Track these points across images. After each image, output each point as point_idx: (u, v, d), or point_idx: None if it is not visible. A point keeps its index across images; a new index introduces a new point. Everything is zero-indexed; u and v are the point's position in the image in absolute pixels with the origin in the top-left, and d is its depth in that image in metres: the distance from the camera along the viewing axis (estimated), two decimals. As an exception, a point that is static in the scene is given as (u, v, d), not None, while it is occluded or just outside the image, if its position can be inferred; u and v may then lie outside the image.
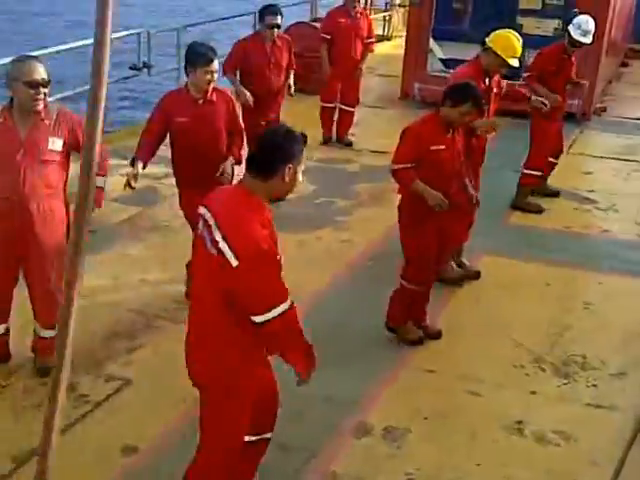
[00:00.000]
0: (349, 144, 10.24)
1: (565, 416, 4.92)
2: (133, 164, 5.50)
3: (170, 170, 6.05)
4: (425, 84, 11.79)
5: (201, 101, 5.61)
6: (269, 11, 7.83)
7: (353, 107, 10.24)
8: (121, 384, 4.98)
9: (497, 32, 6.36)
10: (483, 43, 6.34)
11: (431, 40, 11.85)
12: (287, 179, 3.40)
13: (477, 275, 6.61)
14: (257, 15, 8.42)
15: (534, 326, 5.95)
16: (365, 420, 4.80)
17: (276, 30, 7.88)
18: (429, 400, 5.02)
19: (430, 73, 11.90)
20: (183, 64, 5.78)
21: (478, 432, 4.74)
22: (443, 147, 5.21)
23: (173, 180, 5.99)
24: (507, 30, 6.46)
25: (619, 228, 7.77)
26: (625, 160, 9.74)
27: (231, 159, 5.76)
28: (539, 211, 8.06)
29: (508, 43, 6.17)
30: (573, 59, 8.00)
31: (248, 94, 7.66)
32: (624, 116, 12.14)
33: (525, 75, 8.03)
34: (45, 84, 4.57)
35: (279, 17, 7.85)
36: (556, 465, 4.49)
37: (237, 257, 3.26)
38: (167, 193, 7.88)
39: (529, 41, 10.91)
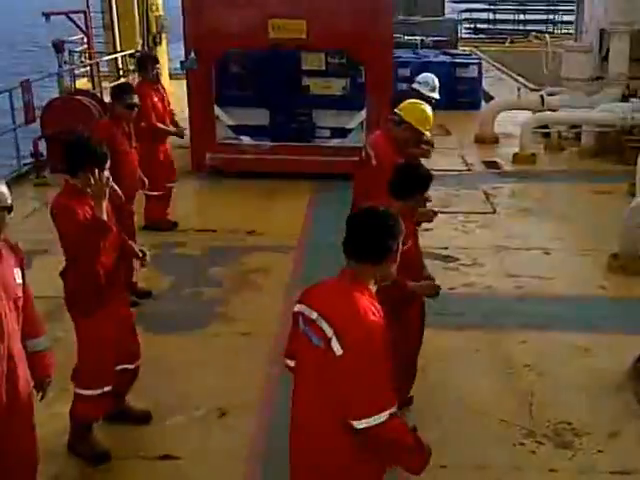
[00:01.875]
0: (175, 225, 9.48)
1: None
2: None
3: None
4: (217, 153, 11.48)
5: None
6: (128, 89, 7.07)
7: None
8: None
9: (407, 104, 6.21)
10: (394, 114, 6.12)
11: (216, 107, 11.46)
12: (395, 259, 3.32)
13: None
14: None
15: (498, 398, 5.82)
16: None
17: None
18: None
19: (220, 141, 11.57)
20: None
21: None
22: (410, 242, 4.84)
23: None
24: (415, 101, 6.38)
25: (497, 283, 7.92)
26: (450, 213, 10.03)
27: None
28: None
29: (422, 115, 6.07)
30: None
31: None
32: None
33: None
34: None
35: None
36: None
37: (342, 345, 3.07)
38: None
39: (318, 101, 11.23)
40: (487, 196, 10.97)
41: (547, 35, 17.72)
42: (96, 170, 4.71)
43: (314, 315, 3.23)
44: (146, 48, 16.43)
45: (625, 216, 8.58)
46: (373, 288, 3.32)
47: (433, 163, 12.70)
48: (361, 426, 3.08)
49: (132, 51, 16.28)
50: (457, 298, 7.54)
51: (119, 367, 5.14)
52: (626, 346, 6.49)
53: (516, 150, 13.22)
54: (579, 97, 13.94)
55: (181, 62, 11.83)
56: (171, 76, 17.93)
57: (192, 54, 11.18)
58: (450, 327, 6.86)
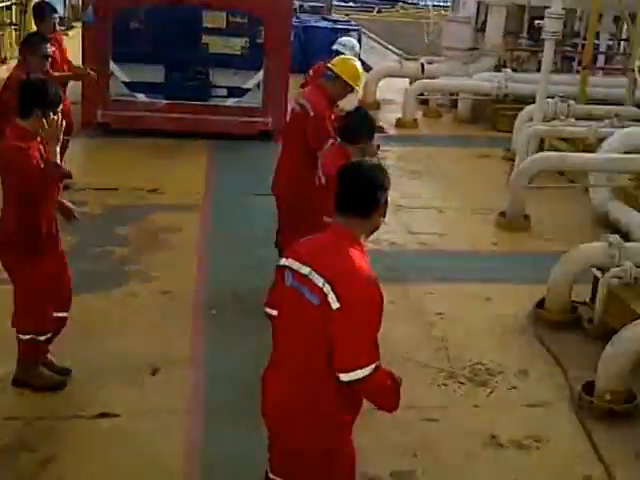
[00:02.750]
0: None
1: (520, 420, 5.32)
2: None
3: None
4: (109, 110, 11.31)
5: None
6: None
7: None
8: None
9: (340, 60, 6.47)
10: (328, 69, 6.35)
11: (111, 63, 11.27)
12: (384, 211, 3.40)
13: None
14: None
15: (417, 344, 6.24)
16: (367, 471, 4.63)
17: None
18: (399, 438, 5.02)
19: (114, 97, 11.38)
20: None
21: (471, 453, 4.91)
22: None
23: None
24: (348, 57, 6.72)
25: (401, 240, 8.35)
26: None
27: None
28: None
29: (355, 71, 6.33)
30: None
31: None
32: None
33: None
34: None
35: None
36: (552, 464, 4.89)
37: (339, 299, 3.12)
38: None
39: (216, 60, 11.27)
40: (377, 158, 11.37)
41: (431, 7, 18.37)
42: (50, 113, 4.67)
43: (305, 270, 3.23)
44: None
45: (511, 179, 9.25)
46: (364, 242, 3.37)
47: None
48: (348, 379, 3.17)
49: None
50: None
51: (56, 314, 5.21)
52: (521, 294, 7.14)
53: (398, 116, 13.76)
54: (457, 66, 14.64)
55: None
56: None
57: (90, 8, 10.94)
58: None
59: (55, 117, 4.68)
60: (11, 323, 5.14)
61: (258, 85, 11.48)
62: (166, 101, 11.32)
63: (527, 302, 6.93)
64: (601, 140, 9.71)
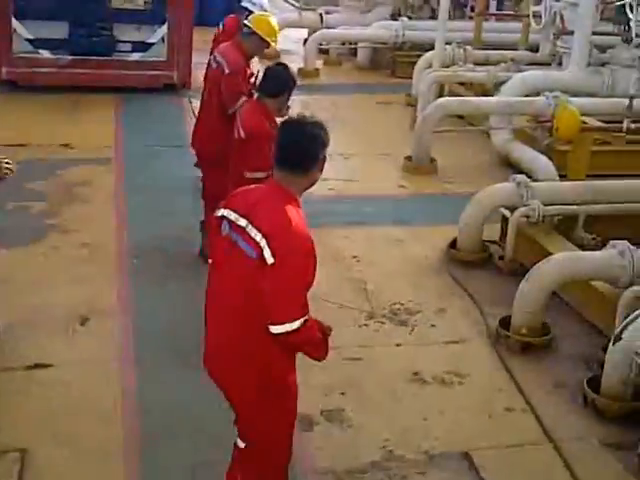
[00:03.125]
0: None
1: (441, 357, 5.43)
2: None
3: None
4: (13, 67, 11.00)
5: None
6: None
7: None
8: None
9: (256, 17, 6.48)
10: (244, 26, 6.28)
11: (13, 20, 10.92)
12: (322, 167, 3.42)
13: None
14: None
15: (336, 286, 6.26)
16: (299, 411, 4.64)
17: None
18: (325, 378, 5.04)
19: (17, 55, 11.06)
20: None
21: (397, 391, 4.99)
22: None
23: None
24: (263, 14, 6.74)
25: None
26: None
27: None
28: None
29: (271, 27, 6.30)
30: None
31: None
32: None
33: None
34: None
35: None
36: (474, 399, 5.02)
37: (274, 255, 3.18)
38: None
39: (120, 15, 10.99)
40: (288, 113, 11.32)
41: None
42: None
43: (243, 222, 3.27)
44: None
45: (417, 124, 9.33)
46: (300, 198, 3.38)
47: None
48: (278, 331, 3.21)
49: None
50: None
51: None
52: (433, 236, 7.28)
53: (300, 65, 13.65)
54: (354, 16, 14.66)
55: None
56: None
57: None
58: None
59: None
60: None
61: (162, 39, 11.31)
62: (71, 57, 11.04)
63: (439, 243, 7.07)
64: (498, 84, 9.92)
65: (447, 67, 10.78)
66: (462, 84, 11.34)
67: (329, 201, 7.96)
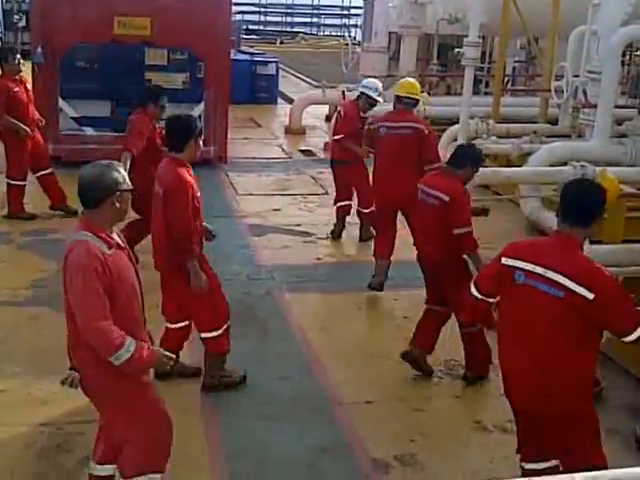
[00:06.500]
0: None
1: (500, 407, 5.74)
2: None
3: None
4: (60, 144, 11.70)
5: None
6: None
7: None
8: None
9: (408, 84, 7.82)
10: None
11: (60, 100, 11.72)
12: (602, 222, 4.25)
13: None
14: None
15: (393, 344, 6.63)
16: (376, 456, 5.02)
17: None
18: (400, 426, 5.43)
19: (63, 133, 11.84)
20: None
21: (462, 437, 5.33)
22: None
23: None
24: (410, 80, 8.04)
25: (354, 253, 8.82)
26: (291, 195, 10.89)
27: None
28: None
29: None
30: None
31: None
32: (242, 157, 13.22)
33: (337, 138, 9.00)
34: None
35: None
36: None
37: (592, 290, 3.79)
38: None
39: None
40: (315, 180, 11.92)
41: (348, 37, 18.99)
42: None
43: (539, 270, 3.91)
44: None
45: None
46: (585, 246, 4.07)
47: (258, 152, 13.54)
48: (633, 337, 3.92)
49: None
50: (325, 267, 8.36)
51: None
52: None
53: (325, 140, 14.28)
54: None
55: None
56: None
57: (39, 48, 11.34)
58: (328, 292, 7.70)
59: None
60: None
61: (200, 117, 11.85)
62: (113, 134, 11.58)
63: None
64: (522, 156, 10.45)
65: (472, 140, 11.35)
66: (487, 156, 11.87)
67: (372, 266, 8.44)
